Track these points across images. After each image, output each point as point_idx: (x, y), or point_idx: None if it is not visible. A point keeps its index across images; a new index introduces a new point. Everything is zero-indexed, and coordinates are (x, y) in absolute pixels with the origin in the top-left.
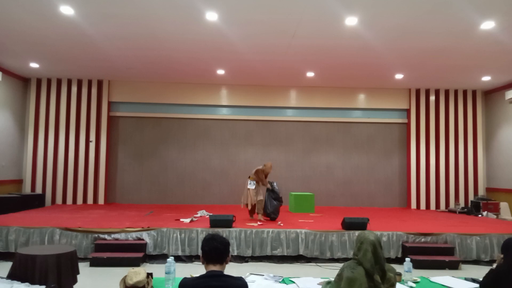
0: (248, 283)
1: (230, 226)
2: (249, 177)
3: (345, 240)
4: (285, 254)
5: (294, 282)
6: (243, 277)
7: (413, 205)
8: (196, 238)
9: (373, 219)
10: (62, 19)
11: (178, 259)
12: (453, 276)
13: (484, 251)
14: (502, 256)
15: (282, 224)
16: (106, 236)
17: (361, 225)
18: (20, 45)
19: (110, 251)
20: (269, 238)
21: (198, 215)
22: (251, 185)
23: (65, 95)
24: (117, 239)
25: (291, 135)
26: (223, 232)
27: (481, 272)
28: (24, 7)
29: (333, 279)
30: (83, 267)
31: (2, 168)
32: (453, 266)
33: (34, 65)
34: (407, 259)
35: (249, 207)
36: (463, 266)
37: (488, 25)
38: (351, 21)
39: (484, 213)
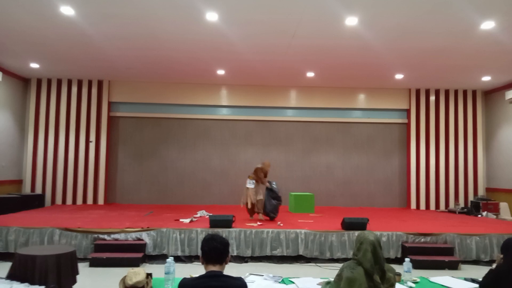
0: (248, 283)
1: (230, 226)
2: (249, 176)
3: (344, 240)
4: (285, 254)
5: (293, 282)
6: (242, 277)
7: (413, 205)
8: (195, 239)
9: (373, 219)
10: (62, 19)
11: (177, 259)
12: (452, 276)
13: (484, 251)
14: (501, 256)
15: (281, 224)
16: (105, 237)
17: (360, 225)
18: (20, 45)
19: (109, 251)
20: (268, 238)
21: (198, 215)
22: (250, 184)
23: (65, 95)
24: (116, 240)
25: (291, 135)
26: (222, 232)
27: (480, 272)
28: (24, 7)
29: (332, 279)
30: (82, 267)
31: (2, 168)
32: (453, 266)
33: (34, 65)
34: (407, 259)
35: (249, 206)
36: (462, 266)
37: (488, 25)
38: (351, 21)
39: (484, 213)
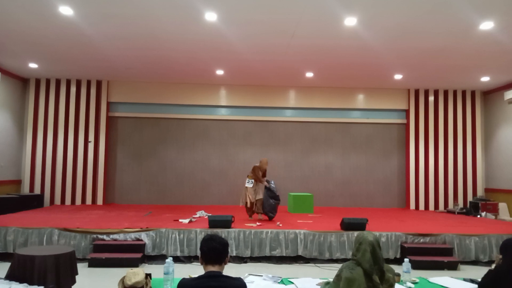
0: (247, 284)
1: (229, 227)
2: (248, 175)
3: (344, 240)
4: (284, 254)
5: (293, 283)
6: (241, 277)
7: (412, 205)
8: (195, 239)
9: (372, 219)
10: (61, 19)
11: (176, 259)
12: (451, 277)
13: (483, 252)
14: (500, 256)
15: (281, 225)
16: (104, 237)
17: (360, 225)
18: (19, 45)
19: (108, 251)
20: (268, 238)
21: (197, 215)
22: (249, 184)
23: (64, 96)
24: (115, 240)
25: (290, 135)
26: (222, 232)
27: (479, 272)
28: (24, 7)
29: (332, 280)
30: (81, 267)
31: (1, 169)
32: (452, 266)
33: (33, 65)
34: (406, 259)
35: (248, 205)
36: (461, 266)
37: (487, 25)
38: (350, 21)
39: (483, 213)
